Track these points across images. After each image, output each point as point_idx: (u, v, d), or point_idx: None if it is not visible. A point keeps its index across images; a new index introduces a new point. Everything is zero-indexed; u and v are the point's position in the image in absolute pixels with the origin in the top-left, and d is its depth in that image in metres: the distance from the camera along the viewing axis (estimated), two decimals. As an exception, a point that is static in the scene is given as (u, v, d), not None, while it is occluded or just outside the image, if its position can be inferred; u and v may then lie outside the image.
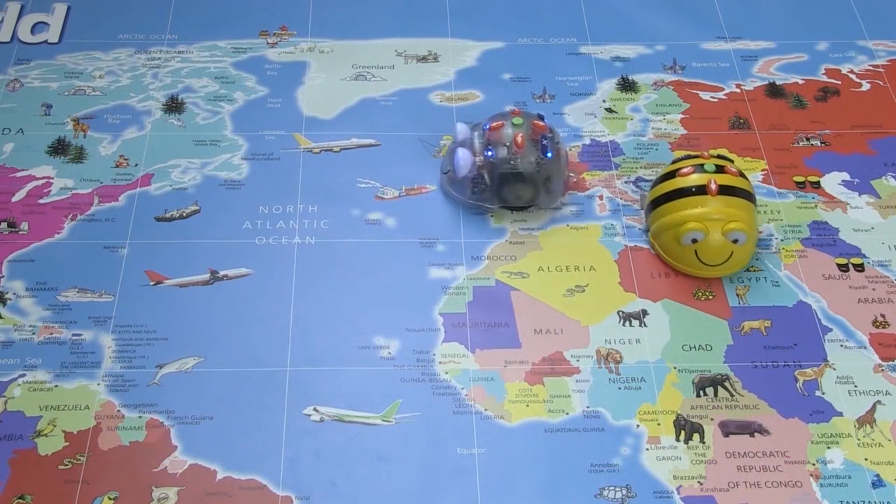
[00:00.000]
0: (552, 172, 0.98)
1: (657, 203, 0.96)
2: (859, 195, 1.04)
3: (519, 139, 0.96)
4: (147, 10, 1.20)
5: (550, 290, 0.95)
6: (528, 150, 0.96)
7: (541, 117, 1.00)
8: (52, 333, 0.90)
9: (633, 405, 0.87)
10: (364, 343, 0.91)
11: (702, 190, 0.92)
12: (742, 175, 0.95)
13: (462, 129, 0.99)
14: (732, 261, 0.94)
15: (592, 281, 0.96)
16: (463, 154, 0.97)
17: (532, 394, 0.88)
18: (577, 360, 0.90)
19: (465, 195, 0.99)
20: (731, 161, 0.98)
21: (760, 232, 0.91)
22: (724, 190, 0.92)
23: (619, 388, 0.88)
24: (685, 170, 0.95)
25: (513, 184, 0.97)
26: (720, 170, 0.94)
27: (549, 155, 0.97)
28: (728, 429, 0.86)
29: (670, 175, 0.96)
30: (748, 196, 0.94)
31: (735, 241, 0.92)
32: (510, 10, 1.23)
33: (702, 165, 0.94)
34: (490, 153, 0.96)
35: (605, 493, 0.82)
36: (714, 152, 1.01)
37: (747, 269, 0.97)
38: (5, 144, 1.05)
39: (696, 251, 0.93)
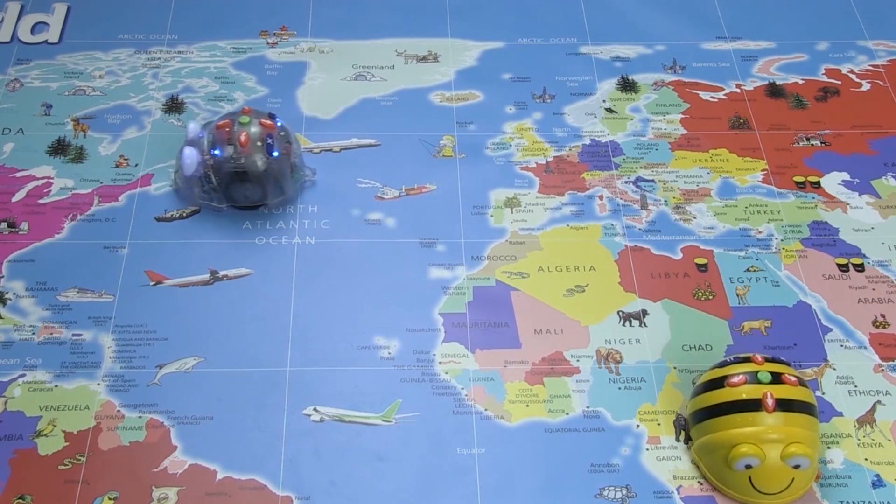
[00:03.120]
0: (280, 172, 0.97)
1: (702, 415, 0.82)
2: (859, 195, 1.04)
3: (242, 138, 0.94)
4: (147, 10, 1.20)
5: (550, 290, 0.95)
6: (254, 149, 0.95)
7: (271, 116, 0.98)
8: (52, 333, 0.90)
9: (633, 405, 0.87)
10: (364, 343, 0.91)
11: (756, 404, 0.78)
12: (802, 383, 0.81)
13: (192, 128, 0.98)
14: (793, 488, 0.79)
15: (592, 281, 0.96)
16: (189, 153, 0.96)
17: (532, 394, 0.88)
18: (577, 360, 0.90)
19: (194, 194, 0.98)
20: (789, 364, 0.83)
21: (823, 459, 0.81)
22: (783, 405, 0.78)
23: (619, 388, 0.88)
24: (735, 378, 0.80)
25: (239, 183, 0.96)
26: (777, 379, 0.80)
27: (276, 154, 0.96)
28: (728, 430, 0.85)
29: (717, 383, 0.81)
30: (810, 410, 0.80)
31: (797, 467, 0.78)
32: (510, 10, 1.22)
33: (755, 374, 0.80)
34: (217, 152, 0.95)
35: (605, 493, 0.82)
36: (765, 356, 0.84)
37: (747, 269, 0.97)
38: (5, 144, 1.05)
39: (749, 477, 0.79)
